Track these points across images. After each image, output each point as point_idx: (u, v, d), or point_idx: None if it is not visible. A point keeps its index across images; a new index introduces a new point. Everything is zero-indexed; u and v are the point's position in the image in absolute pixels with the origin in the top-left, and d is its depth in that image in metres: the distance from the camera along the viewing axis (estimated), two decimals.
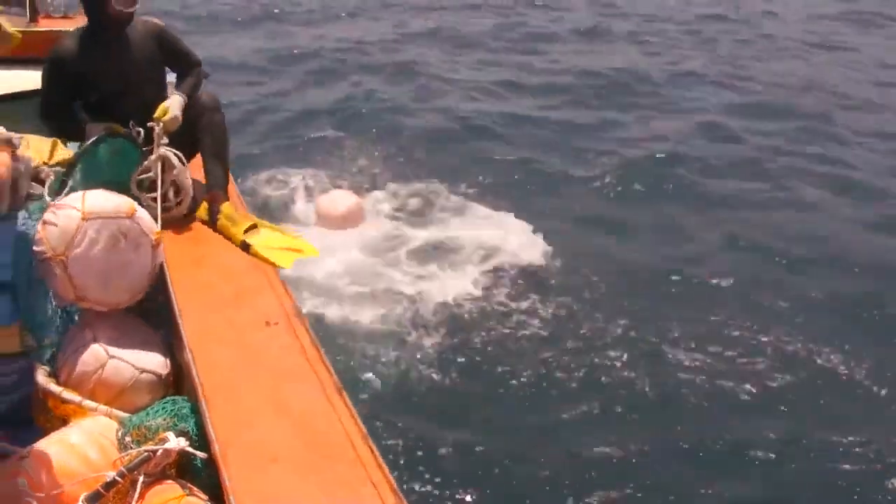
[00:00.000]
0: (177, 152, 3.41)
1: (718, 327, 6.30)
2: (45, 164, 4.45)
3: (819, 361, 5.88)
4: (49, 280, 2.71)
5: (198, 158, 3.82)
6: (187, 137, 3.66)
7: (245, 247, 3.30)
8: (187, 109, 3.70)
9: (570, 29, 17.45)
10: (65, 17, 6.58)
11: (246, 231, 3.35)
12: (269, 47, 15.01)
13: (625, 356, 5.83)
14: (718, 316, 6.44)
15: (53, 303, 2.97)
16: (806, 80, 13.68)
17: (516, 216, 7.95)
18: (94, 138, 3.40)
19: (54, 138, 4.67)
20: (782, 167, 9.86)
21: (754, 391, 5.54)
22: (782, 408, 5.41)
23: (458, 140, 10.43)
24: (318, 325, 5.87)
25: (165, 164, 3.36)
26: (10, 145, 4.06)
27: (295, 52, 14.75)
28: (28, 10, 6.25)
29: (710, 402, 5.42)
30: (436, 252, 7.30)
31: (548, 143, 10.45)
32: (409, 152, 9.69)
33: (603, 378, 5.61)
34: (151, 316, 3.19)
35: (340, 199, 7.76)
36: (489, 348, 5.91)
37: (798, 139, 10.79)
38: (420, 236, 7.58)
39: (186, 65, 4.00)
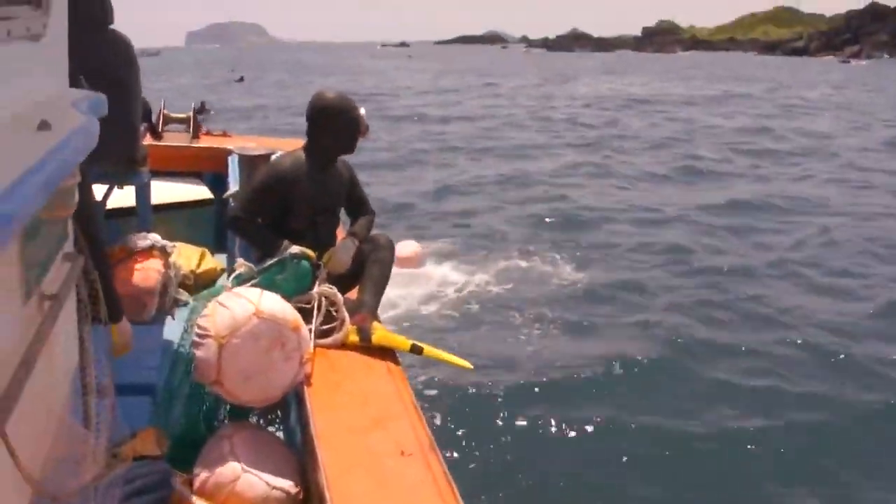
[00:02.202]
0: (337, 292, 3.47)
1: None
2: (192, 272, 4.69)
3: None
4: (198, 355, 2.80)
5: None
6: (353, 275, 3.71)
7: (417, 350, 3.40)
8: (357, 249, 3.73)
9: None
10: (224, 134, 7.03)
11: (411, 348, 3.41)
12: None
13: None
14: None
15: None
16: None
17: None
18: (291, 254, 3.49)
19: (203, 248, 4.92)
20: None
21: None
22: None
23: None
24: None
25: (327, 298, 3.44)
26: (164, 253, 4.32)
27: None
28: (191, 129, 6.72)
29: None
30: None
31: None
32: None
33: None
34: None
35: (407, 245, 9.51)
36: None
37: None
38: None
39: (363, 209, 4.00)
